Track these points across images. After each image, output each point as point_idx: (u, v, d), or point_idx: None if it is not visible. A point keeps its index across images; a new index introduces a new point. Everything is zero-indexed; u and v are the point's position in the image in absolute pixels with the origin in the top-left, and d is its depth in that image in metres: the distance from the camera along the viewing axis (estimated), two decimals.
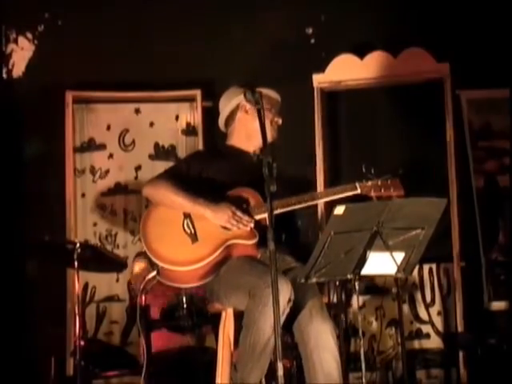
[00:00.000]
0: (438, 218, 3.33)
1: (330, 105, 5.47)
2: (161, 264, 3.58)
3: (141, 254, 4.34)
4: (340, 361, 3.55)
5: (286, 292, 3.34)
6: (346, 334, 4.62)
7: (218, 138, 4.35)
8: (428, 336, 5.21)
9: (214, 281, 3.63)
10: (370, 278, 4.99)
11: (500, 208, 5.19)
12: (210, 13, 5.51)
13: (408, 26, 5.37)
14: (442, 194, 4.53)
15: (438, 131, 5.24)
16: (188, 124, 5.51)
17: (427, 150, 5.28)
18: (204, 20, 5.51)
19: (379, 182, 3.71)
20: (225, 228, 3.62)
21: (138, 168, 5.47)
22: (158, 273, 3.61)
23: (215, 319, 3.74)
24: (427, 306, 5.23)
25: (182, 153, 5.45)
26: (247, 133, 3.90)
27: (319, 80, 5.35)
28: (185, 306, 4.04)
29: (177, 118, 5.53)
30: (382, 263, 3.39)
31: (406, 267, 3.43)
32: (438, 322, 5.22)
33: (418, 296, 5.24)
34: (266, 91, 3.78)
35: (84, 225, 5.37)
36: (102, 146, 5.49)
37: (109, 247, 5.32)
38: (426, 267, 5.23)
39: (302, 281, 3.36)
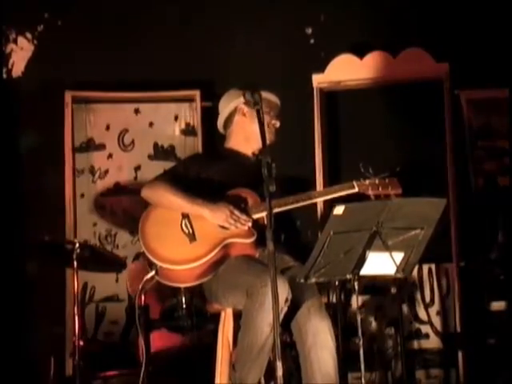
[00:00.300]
0: (438, 218, 3.33)
1: (330, 105, 5.46)
2: (159, 263, 3.59)
3: (140, 255, 4.35)
4: (337, 359, 3.56)
5: (283, 292, 3.34)
6: (345, 334, 4.62)
7: (217, 139, 4.36)
8: (427, 336, 5.21)
9: (212, 280, 3.63)
10: (370, 278, 4.99)
11: (499, 208, 5.19)
12: (210, 13, 5.51)
13: (407, 27, 5.37)
14: (441, 194, 4.53)
15: (438, 131, 5.24)
16: (187, 124, 5.51)
17: (426, 149, 5.28)
18: (204, 20, 5.51)
19: (377, 181, 3.72)
20: (223, 227, 3.63)
21: (137, 168, 5.47)
22: (156, 273, 3.61)
23: (215, 319, 3.75)
24: (426, 306, 5.23)
25: (181, 153, 5.45)
26: (245, 135, 3.92)
27: (319, 80, 5.35)
28: (184, 306, 4.04)
29: (176, 118, 5.52)
30: (381, 263, 3.39)
31: (405, 267, 3.43)
32: (438, 322, 5.22)
33: (418, 296, 5.24)
34: (265, 94, 3.79)
35: (83, 225, 5.37)
36: (102, 146, 5.48)
37: (108, 247, 5.32)
38: (425, 267, 5.23)
39: (302, 281, 3.36)
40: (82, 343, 4.30)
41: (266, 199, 3.11)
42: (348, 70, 5.34)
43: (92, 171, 5.44)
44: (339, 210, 3.21)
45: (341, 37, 5.44)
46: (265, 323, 3.38)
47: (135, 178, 5.45)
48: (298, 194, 3.67)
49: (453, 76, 5.25)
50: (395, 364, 5.03)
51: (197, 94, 5.42)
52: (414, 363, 5.11)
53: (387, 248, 3.33)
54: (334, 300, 4.68)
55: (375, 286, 5.00)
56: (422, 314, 5.23)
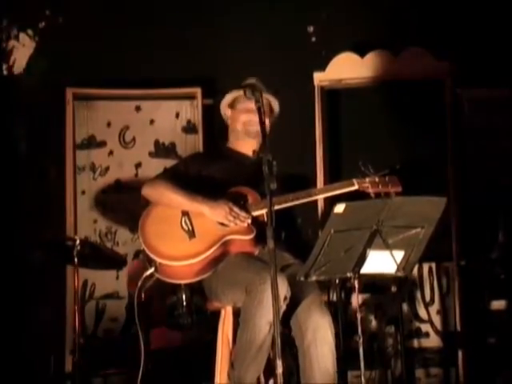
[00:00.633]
0: (438, 216, 3.33)
1: (331, 103, 5.46)
2: (158, 260, 3.59)
3: (140, 253, 4.35)
4: (336, 356, 3.56)
5: (281, 290, 3.34)
6: (345, 332, 4.62)
7: (218, 136, 4.36)
8: (427, 335, 5.21)
9: (212, 278, 3.64)
10: (370, 277, 4.99)
11: (500, 207, 5.18)
12: (211, 10, 5.50)
13: (408, 25, 5.37)
14: (441, 192, 4.52)
15: (439, 130, 5.24)
16: (188, 121, 5.51)
17: (427, 148, 5.27)
18: (204, 17, 5.51)
19: (377, 179, 3.72)
20: (222, 224, 3.64)
21: (138, 165, 5.47)
22: (155, 270, 3.62)
23: (214, 317, 3.75)
24: (427, 305, 5.23)
25: (182, 150, 5.45)
26: (240, 128, 3.91)
27: (320, 78, 5.35)
28: (184, 303, 4.04)
29: (177, 115, 5.52)
30: (381, 262, 3.39)
31: (405, 266, 3.43)
32: (438, 320, 5.22)
33: (418, 295, 5.24)
34: (267, 96, 3.83)
35: (84, 222, 5.37)
36: (103, 143, 5.48)
37: (109, 244, 5.32)
38: (425, 266, 5.23)
39: (302, 279, 3.36)
40: (81, 340, 4.30)
41: (266, 197, 3.11)
42: (349, 68, 5.34)
43: (93, 168, 5.44)
44: (340, 208, 3.21)
45: (342, 35, 5.44)
46: (263, 321, 3.38)
47: (136, 175, 5.45)
48: (298, 191, 3.67)
49: (454, 75, 5.24)
50: (395, 362, 5.03)
51: (198, 91, 5.42)
52: (413, 362, 5.11)
53: (388, 246, 3.33)
54: (335, 298, 4.68)
55: (375, 284, 5.00)
56: (422, 312, 5.23)
